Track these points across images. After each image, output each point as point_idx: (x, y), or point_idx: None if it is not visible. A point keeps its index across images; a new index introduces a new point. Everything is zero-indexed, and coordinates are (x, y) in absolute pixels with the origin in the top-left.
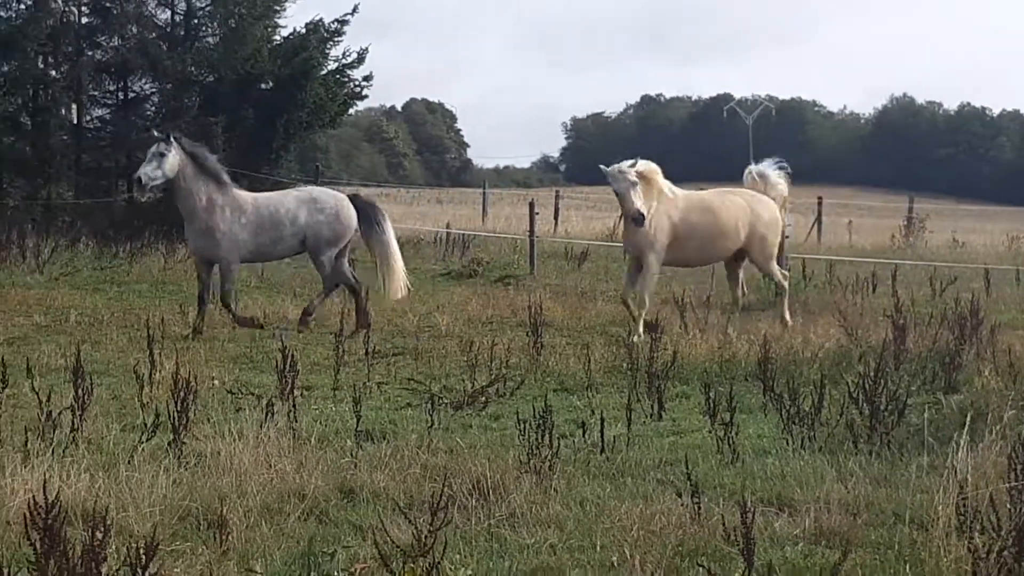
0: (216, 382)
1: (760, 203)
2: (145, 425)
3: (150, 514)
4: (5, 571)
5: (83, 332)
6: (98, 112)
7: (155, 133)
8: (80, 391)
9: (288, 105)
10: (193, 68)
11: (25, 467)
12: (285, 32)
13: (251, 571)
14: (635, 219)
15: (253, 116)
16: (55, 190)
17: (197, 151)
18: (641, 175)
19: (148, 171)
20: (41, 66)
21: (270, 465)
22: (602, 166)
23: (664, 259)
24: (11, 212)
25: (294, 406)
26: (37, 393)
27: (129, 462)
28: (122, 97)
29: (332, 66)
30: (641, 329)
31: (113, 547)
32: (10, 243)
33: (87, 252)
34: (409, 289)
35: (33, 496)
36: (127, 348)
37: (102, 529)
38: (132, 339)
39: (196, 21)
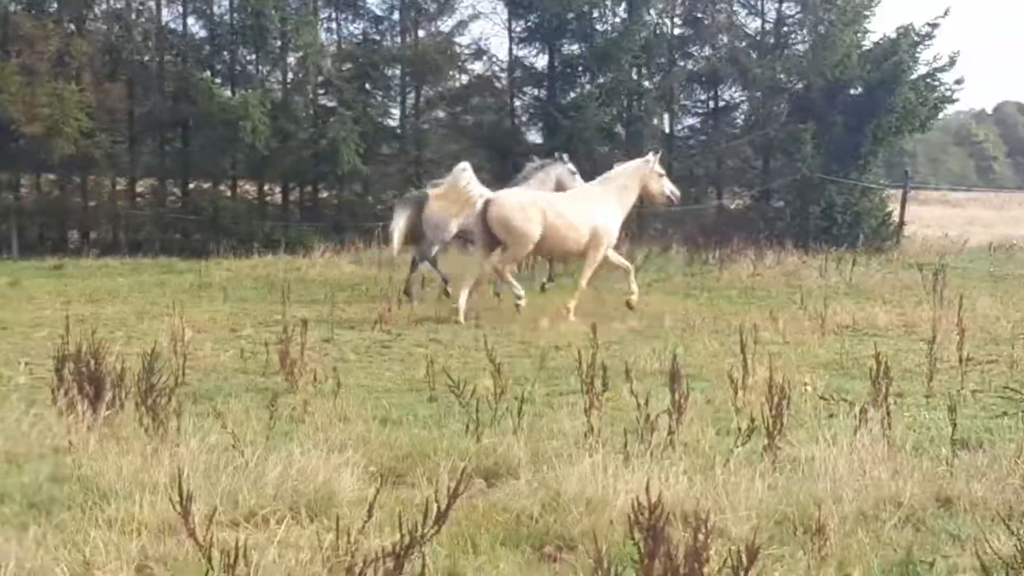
0: (808, 388)
1: None
2: (739, 429)
3: (747, 517)
4: (612, 568)
5: (676, 337)
6: (689, 121)
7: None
8: (676, 395)
9: (877, 110)
10: (783, 75)
11: (626, 468)
12: (875, 37)
13: None
14: None
15: (842, 122)
16: None
17: None
18: None
19: None
20: (635, 77)
21: (864, 472)
22: None
23: None
24: None
25: (888, 413)
26: (635, 396)
27: (725, 466)
28: (712, 106)
29: (922, 70)
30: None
31: (713, 549)
32: None
33: (678, 258)
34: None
35: (636, 497)
36: (719, 353)
37: (704, 531)
38: (723, 344)
39: (786, 28)
